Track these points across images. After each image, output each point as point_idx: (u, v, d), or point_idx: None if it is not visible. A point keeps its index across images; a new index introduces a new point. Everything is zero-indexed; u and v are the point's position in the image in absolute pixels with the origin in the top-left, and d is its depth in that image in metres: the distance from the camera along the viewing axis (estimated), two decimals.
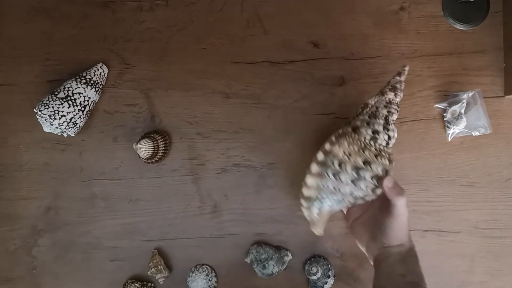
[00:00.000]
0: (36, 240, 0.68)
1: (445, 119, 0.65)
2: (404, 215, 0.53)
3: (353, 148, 0.52)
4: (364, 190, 0.52)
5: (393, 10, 0.67)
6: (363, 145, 0.52)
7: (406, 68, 0.57)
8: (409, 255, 0.55)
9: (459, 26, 0.66)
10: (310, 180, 0.54)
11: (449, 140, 0.65)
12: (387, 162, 0.52)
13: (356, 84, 0.66)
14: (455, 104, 0.63)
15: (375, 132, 0.53)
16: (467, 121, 0.63)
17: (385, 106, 0.55)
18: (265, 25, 0.67)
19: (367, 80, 0.66)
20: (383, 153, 0.53)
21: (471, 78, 0.66)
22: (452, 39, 0.66)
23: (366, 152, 0.52)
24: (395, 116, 0.55)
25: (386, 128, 0.54)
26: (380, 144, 0.53)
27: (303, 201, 0.55)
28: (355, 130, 0.54)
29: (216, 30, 0.67)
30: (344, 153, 0.52)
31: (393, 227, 0.54)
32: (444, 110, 0.65)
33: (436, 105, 0.65)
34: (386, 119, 0.54)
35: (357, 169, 0.52)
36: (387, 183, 0.52)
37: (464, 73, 0.66)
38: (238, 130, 0.67)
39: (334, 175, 0.52)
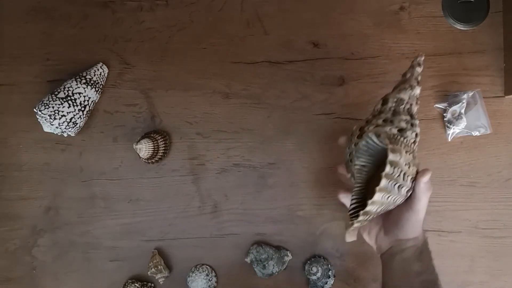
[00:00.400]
0: (36, 240, 0.68)
1: (445, 119, 0.65)
2: (425, 209, 0.51)
3: (410, 157, 0.47)
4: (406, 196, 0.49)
5: (393, 10, 0.67)
6: (412, 151, 0.48)
7: (423, 57, 0.52)
8: (425, 250, 0.52)
9: (459, 26, 0.66)
10: (378, 195, 0.45)
11: (449, 140, 0.65)
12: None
13: (356, 84, 0.66)
14: (455, 104, 0.63)
15: (417, 135, 0.50)
16: (467, 121, 0.63)
17: (416, 103, 0.51)
18: (265, 25, 0.67)
19: (367, 80, 0.66)
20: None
21: (471, 78, 0.66)
22: (452, 39, 0.66)
23: (416, 160, 0.48)
24: None
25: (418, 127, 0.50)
26: (416, 146, 0.50)
27: (362, 217, 0.46)
28: (402, 132, 0.48)
29: (216, 30, 0.67)
30: (405, 163, 0.46)
31: (412, 220, 0.51)
32: (444, 110, 0.65)
33: (436, 105, 0.65)
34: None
35: (412, 179, 0.48)
36: (425, 178, 0.49)
37: (464, 73, 0.66)
38: (238, 130, 0.67)
39: (398, 187, 0.46)
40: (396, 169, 0.45)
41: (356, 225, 0.47)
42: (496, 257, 0.65)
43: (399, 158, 0.45)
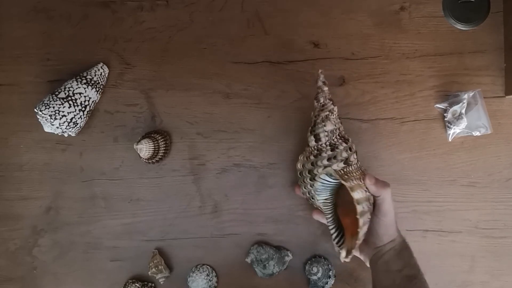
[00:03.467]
0: (36, 240, 0.68)
1: (445, 119, 0.65)
2: (392, 208, 0.54)
3: (359, 175, 0.55)
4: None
5: (394, 10, 0.67)
6: (358, 167, 0.56)
7: (322, 74, 0.57)
8: (403, 248, 0.55)
9: (459, 26, 0.66)
10: (362, 228, 0.52)
11: (450, 140, 0.65)
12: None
13: (357, 84, 0.66)
14: (456, 104, 0.63)
15: (356, 152, 0.57)
16: (468, 121, 0.63)
17: (340, 122, 0.58)
18: (265, 25, 0.67)
19: (367, 80, 0.66)
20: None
21: (471, 78, 0.66)
22: (453, 39, 0.66)
23: (359, 170, 0.56)
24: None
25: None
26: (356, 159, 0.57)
27: (358, 242, 0.52)
28: (347, 161, 0.55)
29: (216, 30, 0.67)
30: (363, 188, 0.54)
31: (383, 225, 0.54)
32: (445, 110, 0.65)
33: (436, 105, 0.65)
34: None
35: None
36: (371, 181, 0.53)
37: (465, 73, 0.66)
38: (239, 130, 0.67)
39: (368, 204, 0.54)
40: (364, 203, 0.51)
41: (354, 250, 0.52)
42: (497, 257, 0.65)
43: (360, 194, 0.51)
